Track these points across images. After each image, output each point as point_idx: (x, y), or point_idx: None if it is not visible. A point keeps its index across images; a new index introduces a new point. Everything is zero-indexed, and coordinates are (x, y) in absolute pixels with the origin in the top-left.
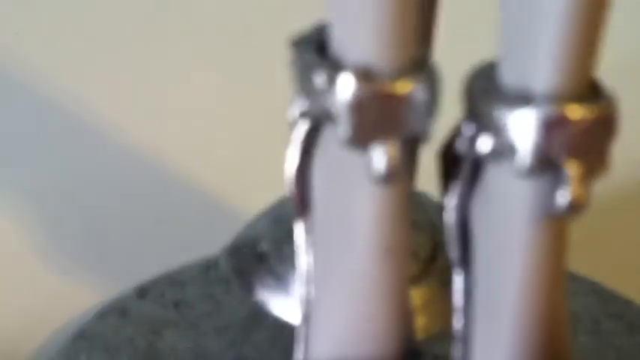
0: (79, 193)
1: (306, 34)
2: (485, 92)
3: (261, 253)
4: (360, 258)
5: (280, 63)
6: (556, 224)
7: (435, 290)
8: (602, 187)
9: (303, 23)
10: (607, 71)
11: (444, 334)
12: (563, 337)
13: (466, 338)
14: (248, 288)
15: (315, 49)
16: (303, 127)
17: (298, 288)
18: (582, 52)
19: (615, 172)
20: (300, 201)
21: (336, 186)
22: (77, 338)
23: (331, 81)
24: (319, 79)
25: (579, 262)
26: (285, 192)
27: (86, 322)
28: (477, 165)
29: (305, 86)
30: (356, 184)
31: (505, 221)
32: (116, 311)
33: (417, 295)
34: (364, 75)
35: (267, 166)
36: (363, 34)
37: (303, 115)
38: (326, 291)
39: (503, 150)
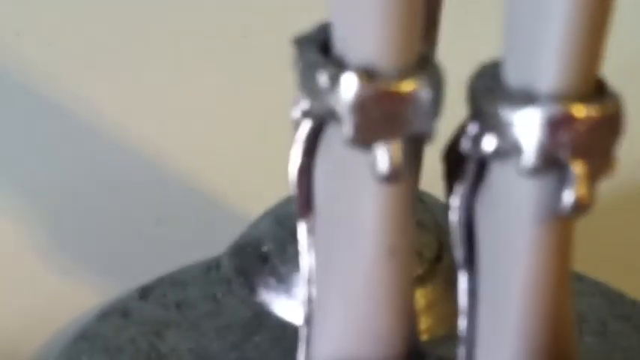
0: (79, 193)
1: (308, 34)
2: (490, 91)
3: (264, 253)
4: (364, 258)
5: (282, 62)
6: (561, 224)
7: (440, 291)
8: (606, 187)
9: (304, 23)
10: (608, 71)
11: (448, 336)
12: (568, 338)
13: (471, 339)
14: (250, 288)
15: (318, 49)
16: (306, 127)
17: (301, 288)
18: (587, 51)
19: (619, 172)
20: (304, 201)
21: (340, 185)
22: (79, 339)
23: (334, 80)
24: (322, 78)
25: (585, 263)
26: (288, 192)
27: (88, 322)
28: (482, 165)
29: (308, 86)
30: (359, 183)
31: (510, 221)
32: (118, 312)
33: (422, 296)
34: (367, 74)
35: (270, 166)
36: (367, 33)
37: (306, 114)
38: (329, 291)
39: (508, 149)
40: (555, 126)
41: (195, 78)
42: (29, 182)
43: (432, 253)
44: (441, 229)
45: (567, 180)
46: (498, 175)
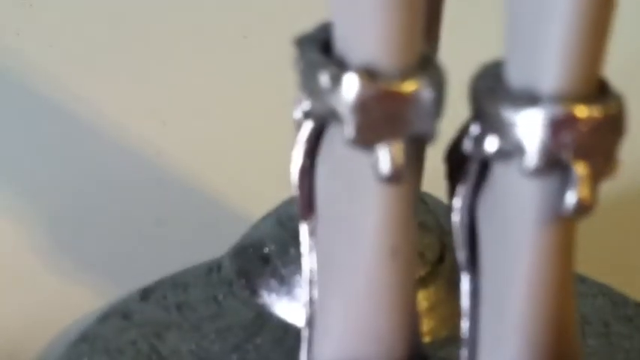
0: (79, 193)
1: (309, 33)
2: (492, 92)
3: (265, 254)
4: (366, 259)
5: (283, 63)
6: (564, 225)
7: (442, 292)
8: (607, 188)
9: (304, 23)
10: (608, 71)
11: (451, 337)
12: (571, 340)
13: (473, 340)
14: (252, 290)
15: (319, 48)
16: (307, 128)
17: (303, 290)
18: (590, 52)
19: (621, 173)
20: (305, 202)
21: (341, 186)
22: (79, 341)
23: (336, 81)
24: (324, 78)
25: (587, 264)
26: (289, 193)
27: (88, 324)
28: (484, 165)
29: (309, 86)
30: (361, 184)
31: (513, 222)
32: (118, 314)
33: (424, 298)
34: (369, 75)
35: (271, 166)
36: (368, 33)
37: (308, 115)
38: (331, 293)
39: (511, 150)
40: (558, 127)
41: (196, 78)
42: (29, 182)
43: (434, 254)
44: (443, 230)
45: (570, 181)
46: (501, 176)
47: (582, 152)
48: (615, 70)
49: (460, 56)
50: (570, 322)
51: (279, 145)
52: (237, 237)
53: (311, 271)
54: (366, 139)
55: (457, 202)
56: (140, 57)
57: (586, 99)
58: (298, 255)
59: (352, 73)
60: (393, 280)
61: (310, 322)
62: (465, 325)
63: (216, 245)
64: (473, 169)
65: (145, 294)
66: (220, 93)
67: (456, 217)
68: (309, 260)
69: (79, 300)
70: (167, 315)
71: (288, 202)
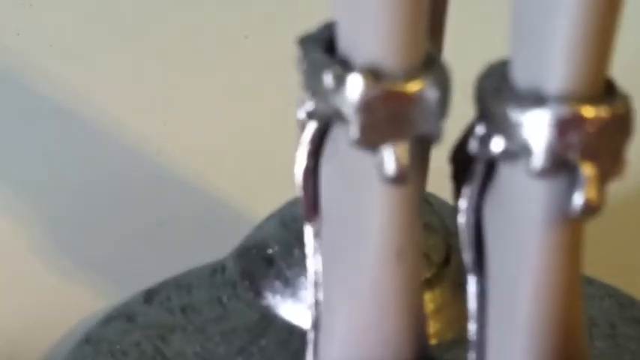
0: (80, 193)
1: (313, 33)
2: (498, 92)
3: (269, 256)
4: (370, 261)
5: (285, 63)
6: (571, 226)
7: (448, 294)
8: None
9: (307, 23)
10: (608, 72)
11: (457, 340)
12: (579, 341)
13: (480, 342)
14: (256, 292)
15: (323, 48)
16: (311, 128)
17: (307, 291)
18: (596, 52)
19: (628, 174)
20: (310, 203)
21: (346, 187)
22: (83, 343)
23: (340, 81)
24: (328, 78)
25: (594, 266)
26: (293, 194)
27: (92, 327)
28: (490, 166)
29: (313, 86)
30: (365, 185)
31: (519, 223)
32: (122, 316)
33: (430, 300)
34: (373, 75)
35: (275, 167)
36: (372, 33)
37: (312, 115)
38: (336, 294)
39: (517, 151)
40: (564, 127)
41: (196, 78)
42: (29, 182)
43: (440, 255)
44: (448, 231)
45: (577, 182)
46: (507, 177)
47: (589, 153)
48: (615, 70)
49: (465, 56)
50: (578, 324)
51: (282, 145)
52: (240, 238)
53: (316, 273)
54: (371, 139)
55: (463, 203)
56: (140, 57)
57: (593, 99)
58: (302, 256)
59: (356, 73)
60: (399, 281)
61: (316, 324)
62: (472, 327)
63: (220, 246)
64: (479, 169)
65: (149, 296)
66: (222, 93)
67: (461, 219)
68: (314, 262)
69: (79, 300)
70: (171, 317)
71: (292, 203)
